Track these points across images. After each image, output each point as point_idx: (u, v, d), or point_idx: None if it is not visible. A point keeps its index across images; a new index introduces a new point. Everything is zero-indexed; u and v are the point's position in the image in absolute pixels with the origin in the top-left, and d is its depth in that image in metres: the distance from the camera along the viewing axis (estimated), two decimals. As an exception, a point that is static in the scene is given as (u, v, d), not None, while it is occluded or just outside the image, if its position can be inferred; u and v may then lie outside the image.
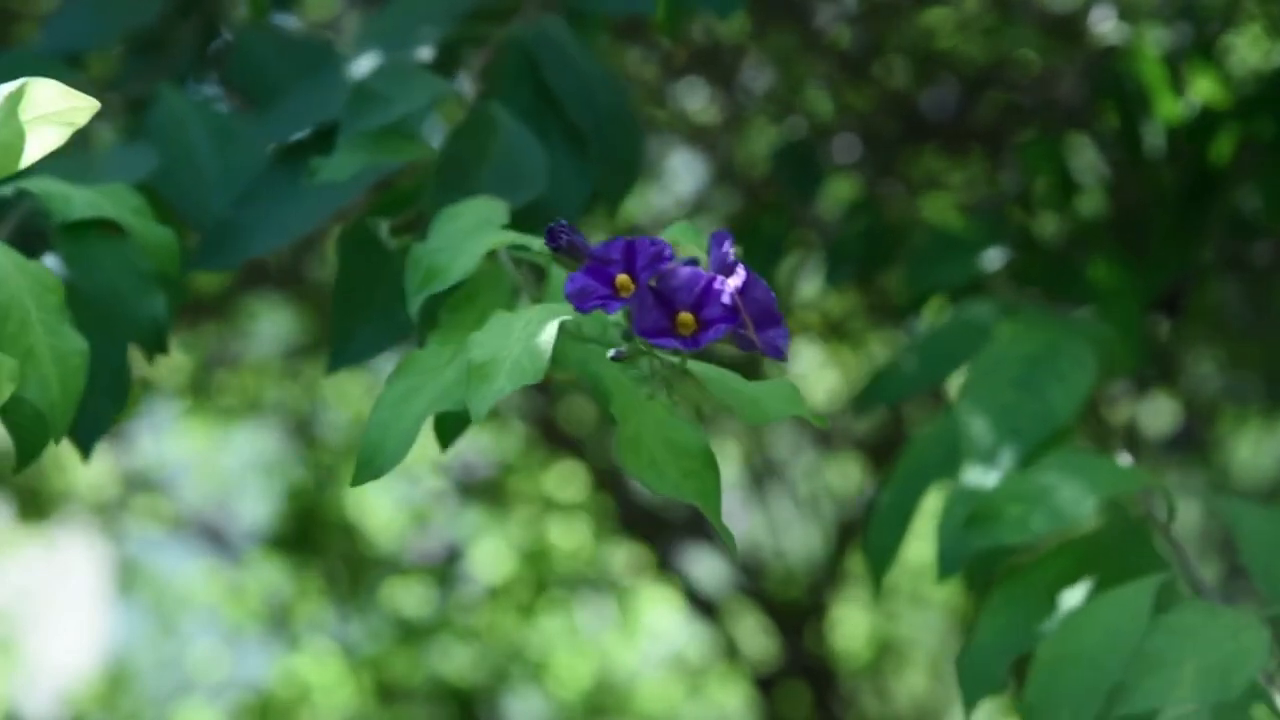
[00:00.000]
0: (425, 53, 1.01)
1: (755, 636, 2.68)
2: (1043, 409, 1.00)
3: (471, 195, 0.85)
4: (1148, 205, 1.39)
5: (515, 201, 0.84)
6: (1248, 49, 1.48)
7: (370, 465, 0.72)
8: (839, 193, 1.56)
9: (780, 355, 0.69)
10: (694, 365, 0.71)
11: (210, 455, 3.21)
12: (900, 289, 1.35)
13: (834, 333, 2.01)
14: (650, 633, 3.27)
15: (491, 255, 0.79)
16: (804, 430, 2.50)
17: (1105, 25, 1.46)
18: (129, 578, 3.51)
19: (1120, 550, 0.91)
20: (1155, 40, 1.43)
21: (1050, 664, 0.81)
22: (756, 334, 0.68)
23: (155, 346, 0.92)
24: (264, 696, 3.14)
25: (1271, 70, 1.42)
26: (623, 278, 0.68)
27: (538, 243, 0.76)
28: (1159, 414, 1.95)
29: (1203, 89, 1.38)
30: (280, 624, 3.12)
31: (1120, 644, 0.77)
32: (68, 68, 1.05)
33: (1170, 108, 1.36)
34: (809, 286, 1.77)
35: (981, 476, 0.97)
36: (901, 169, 1.59)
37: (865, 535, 1.08)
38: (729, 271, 0.69)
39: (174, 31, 1.12)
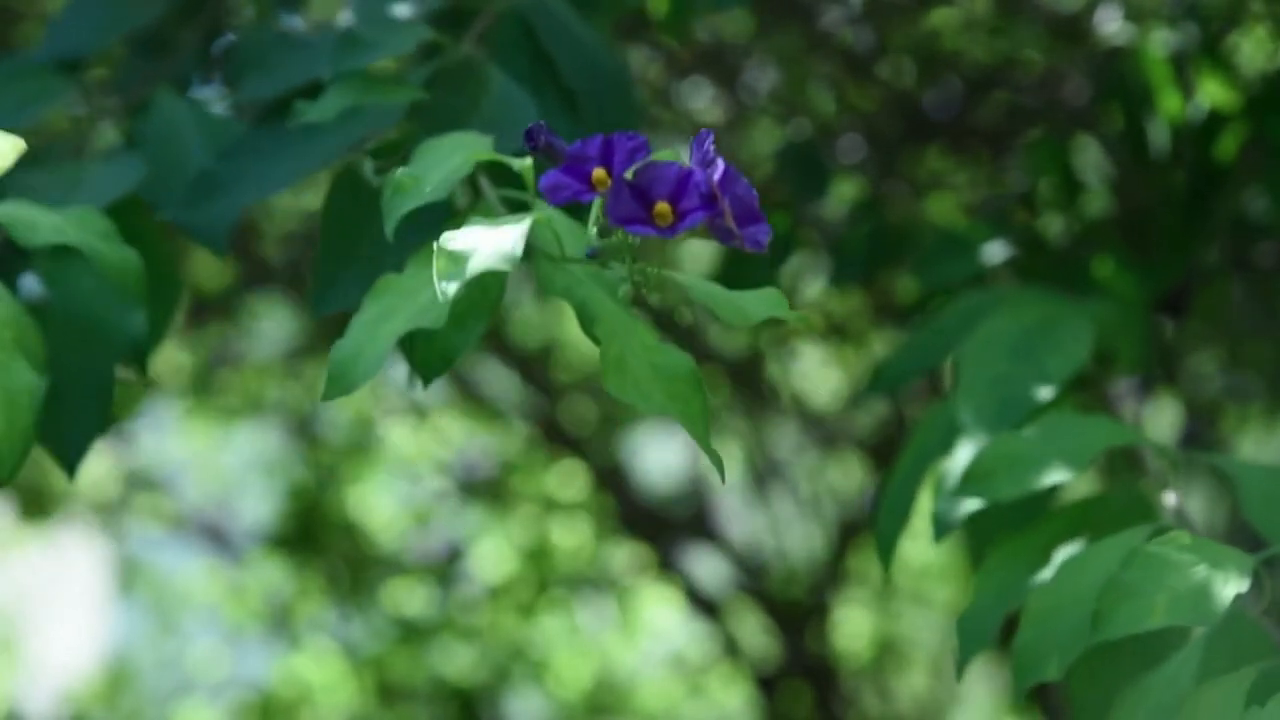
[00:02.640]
0: (404, 9, 1.01)
1: (756, 636, 2.68)
2: (1038, 375, 0.99)
3: None
4: (1153, 206, 1.39)
5: (505, 150, 0.84)
6: (1253, 49, 1.48)
7: (341, 381, 0.71)
8: (843, 193, 1.56)
9: (760, 248, 0.68)
10: (674, 272, 0.71)
11: (211, 454, 3.21)
12: (905, 289, 1.35)
13: (837, 333, 2.00)
14: (651, 632, 3.27)
15: (477, 192, 0.78)
16: (806, 430, 2.50)
17: (1110, 26, 1.46)
18: (130, 577, 3.51)
19: (1117, 512, 0.90)
20: (1160, 41, 1.42)
21: (1041, 611, 0.81)
22: (738, 228, 0.68)
23: (137, 365, 0.91)
24: (265, 696, 3.13)
25: (1277, 71, 1.42)
26: (599, 172, 0.68)
27: (518, 162, 0.76)
28: (1163, 415, 1.95)
29: (1208, 89, 1.38)
30: (281, 623, 3.12)
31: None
32: (67, 75, 1.05)
33: (1175, 108, 1.36)
34: (813, 286, 1.77)
35: (976, 443, 0.96)
36: (906, 169, 1.58)
37: (874, 520, 1.07)
38: (709, 165, 0.68)
39: (178, 33, 1.12)
